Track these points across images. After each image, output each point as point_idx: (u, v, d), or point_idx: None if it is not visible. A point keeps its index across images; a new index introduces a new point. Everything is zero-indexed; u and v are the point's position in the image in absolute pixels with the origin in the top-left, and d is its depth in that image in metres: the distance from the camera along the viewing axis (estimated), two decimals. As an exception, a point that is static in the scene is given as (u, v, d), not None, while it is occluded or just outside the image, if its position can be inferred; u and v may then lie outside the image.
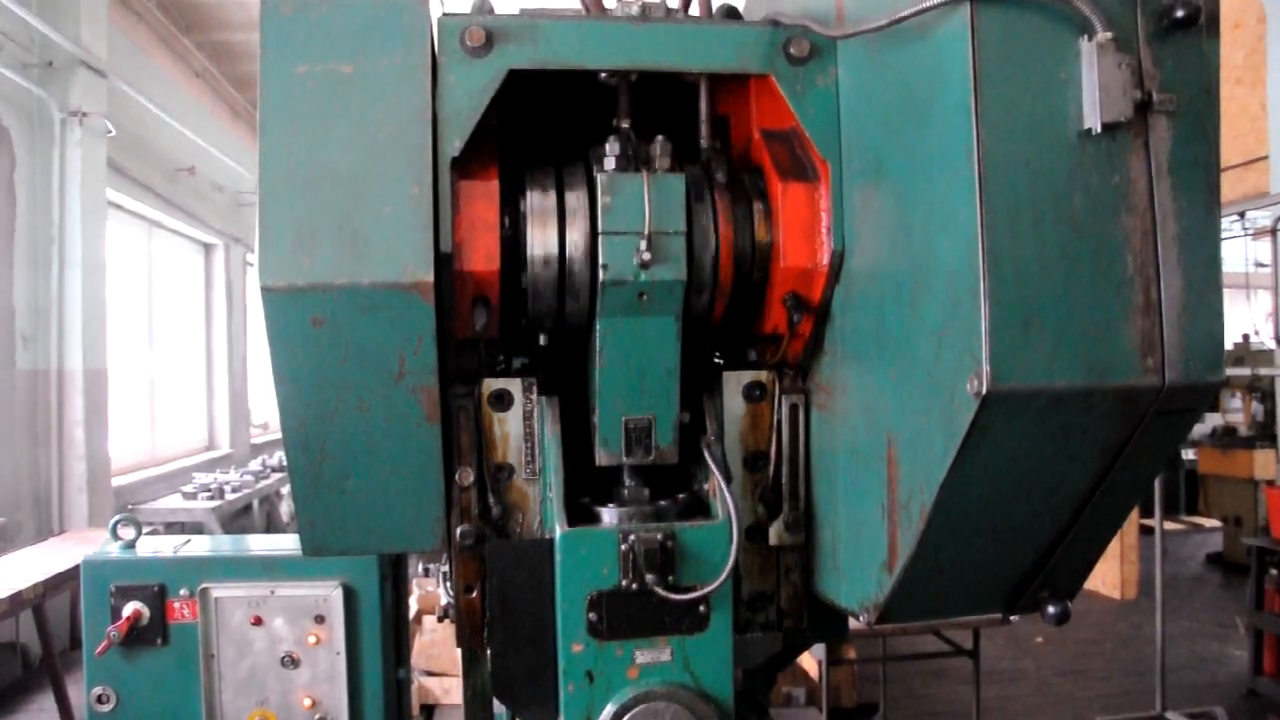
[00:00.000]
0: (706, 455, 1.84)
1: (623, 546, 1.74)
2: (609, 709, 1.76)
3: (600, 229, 1.72)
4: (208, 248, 11.36)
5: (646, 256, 1.69)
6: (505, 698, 1.86)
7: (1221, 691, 7.42)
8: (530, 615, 1.81)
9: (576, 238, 1.76)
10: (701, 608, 1.77)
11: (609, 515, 1.84)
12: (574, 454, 1.88)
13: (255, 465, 10.20)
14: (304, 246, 1.61)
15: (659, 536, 1.74)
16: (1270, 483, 8.70)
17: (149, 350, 9.61)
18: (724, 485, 1.78)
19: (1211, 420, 11.86)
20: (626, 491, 1.89)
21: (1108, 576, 10.17)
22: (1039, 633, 9.02)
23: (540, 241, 1.77)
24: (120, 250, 8.87)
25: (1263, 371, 8.92)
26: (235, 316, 11.54)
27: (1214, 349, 1.45)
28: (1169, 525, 6.94)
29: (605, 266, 1.71)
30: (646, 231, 1.70)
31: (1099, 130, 1.38)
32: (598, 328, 1.78)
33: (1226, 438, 11.61)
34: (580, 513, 1.84)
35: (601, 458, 1.87)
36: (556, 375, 1.96)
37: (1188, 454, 12.05)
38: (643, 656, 1.78)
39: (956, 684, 7.45)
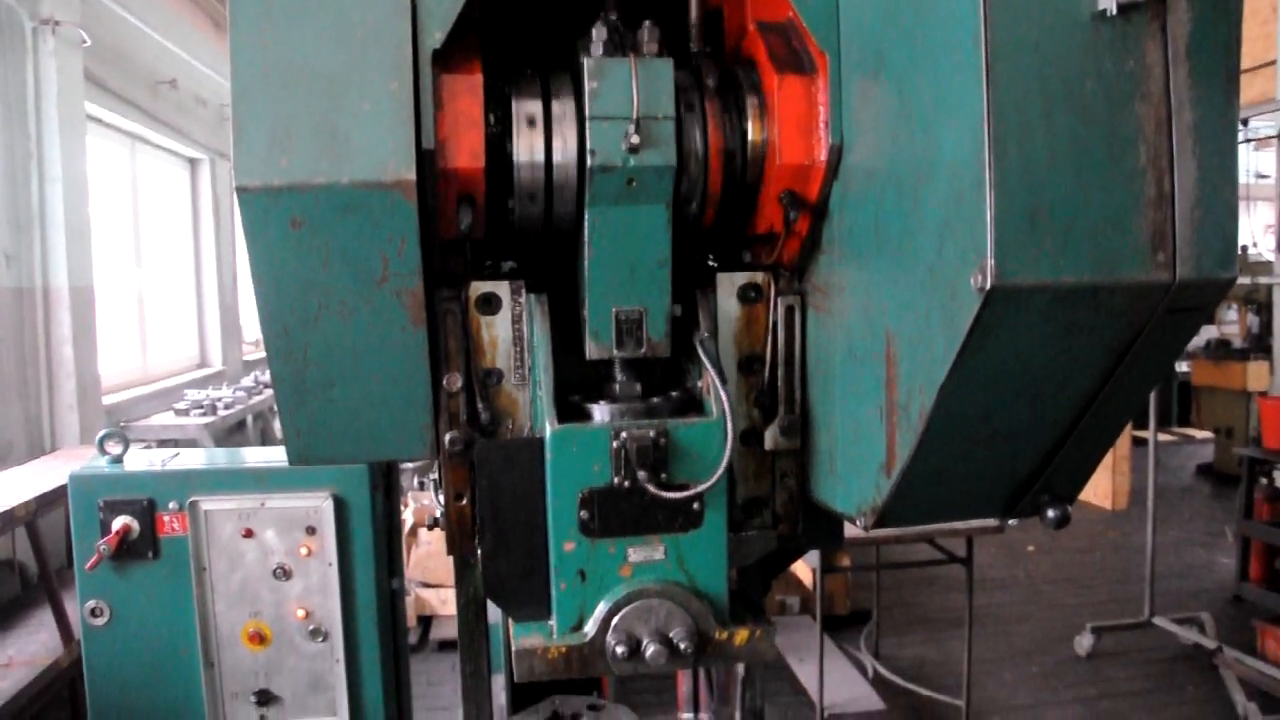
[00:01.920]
0: (700, 350, 1.79)
1: (614, 444, 1.71)
2: (601, 607, 1.74)
3: (588, 114, 1.65)
4: (193, 163, 11.16)
5: (635, 140, 1.63)
6: (497, 599, 1.84)
7: (1208, 598, 7.56)
8: (521, 515, 1.78)
9: (564, 128, 1.70)
10: (695, 505, 1.74)
11: (600, 412, 1.80)
12: (564, 352, 1.84)
13: (248, 381, 10.18)
14: (280, 145, 1.55)
15: (651, 433, 1.70)
16: (1264, 394, 8.73)
17: (136, 268, 9.50)
18: (718, 381, 1.74)
19: (1206, 332, 11.88)
20: (618, 388, 1.85)
21: (1099, 487, 10.28)
22: (1030, 541, 9.14)
23: (526, 134, 1.71)
24: (103, 167, 8.71)
25: (1262, 280, 8.88)
26: (224, 233, 11.38)
27: (1226, 244, 1.40)
28: (1161, 437, 6.97)
29: (593, 152, 1.65)
30: (635, 116, 1.63)
31: (1114, 12, 1.30)
32: (586, 217, 1.72)
33: (1221, 349, 11.64)
34: (571, 411, 1.80)
35: (592, 351, 1.82)
36: (545, 274, 1.90)
37: (1181, 366, 12.09)
38: (635, 554, 1.75)
39: (949, 592, 7.57)
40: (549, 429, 1.72)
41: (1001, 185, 1.31)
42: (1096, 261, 1.35)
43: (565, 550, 1.74)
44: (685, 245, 1.81)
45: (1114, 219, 1.35)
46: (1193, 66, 1.36)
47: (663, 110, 1.67)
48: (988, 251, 1.31)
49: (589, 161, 1.65)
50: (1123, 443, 10.13)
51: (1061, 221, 1.33)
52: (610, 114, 1.65)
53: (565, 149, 1.71)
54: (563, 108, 1.72)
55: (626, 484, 1.71)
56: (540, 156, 1.72)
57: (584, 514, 1.72)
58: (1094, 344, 1.46)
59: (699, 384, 1.84)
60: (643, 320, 1.80)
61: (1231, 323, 12.68)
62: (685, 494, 1.71)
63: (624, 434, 1.70)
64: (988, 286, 1.31)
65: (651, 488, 1.69)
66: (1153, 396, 6.13)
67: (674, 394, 1.87)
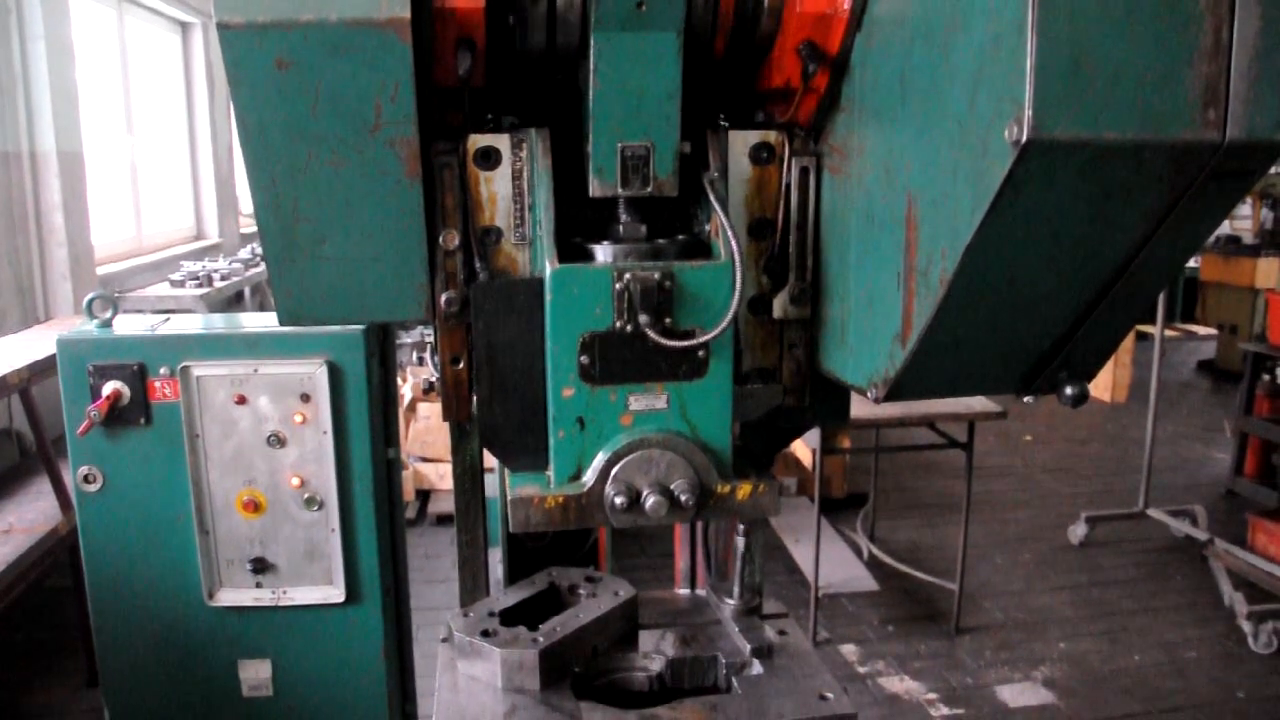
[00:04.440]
0: (708, 190, 1.70)
1: (617, 285, 1.62)
2: (600, 457, 1.69)
3: None
4: (185, 26, 10.81)
5: None
6: (494, 448, 1.79)
7: (1202, 491, 7.62)
8: (518, 360, 1.72)
9: None
10: (700, 353, 1.67)
11: (603, 253, 1.71)
12: (566, 200, 1.74)
13: (245, 254, 10.06)
14: None
15: (656, 275, 1.62)
16: (1272, 290, 8.65)
17: (128, 136, 9.28)
18: (726, 222, 1.65)
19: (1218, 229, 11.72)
20: (622, 229, 1.75)
21: (1099, 379, 10.21)
22: (1028, 431, 9.18)
23: None
24: (90, 30, 8.43)
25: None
26: (218, 101, 11.09)
27: (1283, 103, 1.30)
28: (1164, 332, 6.92)
29: None
30: None
31: None
32: (592, 43, 1.60)
33: (1231, 245, 11.51)
34: (572, 251, 1.71)
35: (595, 188, 1.71)
36: (547, 110, 1.80)
37: (1189, 261, 11.94)
38: (637, 403, 1.69)
39: (946, 478, 7.63)
40: (549, 268, 1.64)
41: (1044, 29, 1.20)
42: (1142, 117, 1.25)
43: (564, 397, 1.67)
44: (695, 81, 1.69)
45: (1164, 70, 1.24)
46: (1264, -105, 1.24)
47: None
48: (1026, 101, 1.20)
49: None
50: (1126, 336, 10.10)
51: (1107, 71, 1.23)
52: None
53: None
54: None
55: (629, 328, 1.63)
56: None
57: (584, 359, 1.65)
58: (1131, 208, 1.37)
59: (707, 227, 1.75)
60: (649, 156, 1.69)
61: (1244, 218, 12.49)
62: (690, 343, 1.64)
63: (627, 275, 1.62)
64: (1023, 139, 1.21)
65: (654, 334, 1.62)
66: (1162, 288, 6.05)
67: (681, 237, 1.78)
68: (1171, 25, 1.24)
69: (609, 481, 1.68)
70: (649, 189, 1.71)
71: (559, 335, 1.65)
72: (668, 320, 1.64)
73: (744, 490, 1.73)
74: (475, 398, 1.80)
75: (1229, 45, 1.25)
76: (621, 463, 1.68)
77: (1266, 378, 7.06)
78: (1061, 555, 6.53)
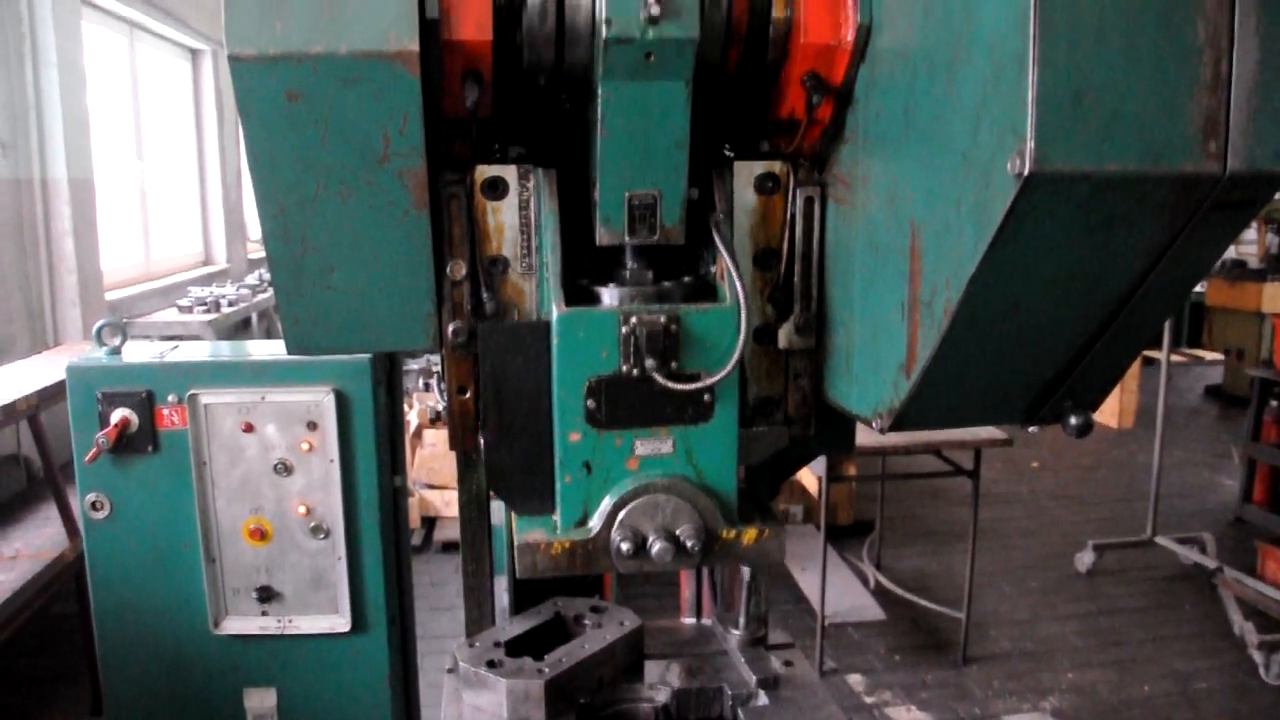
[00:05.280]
0: (715, 234, 1.71)
1: (624, 329, 1.63)
2: (607, 501, 1.69)
3: None
4: (194, 53, 10.91)
5: (655, 10, 1.50)
6: (500, 491, 1.79)
7: (1210, 518, 7.58)
8: (525, 403, 1.72)
9: None
10: (706, 397, 1.67)
11: (609, 296, 1.72)
12: (574, 239, 1.75)
13: (252, 279, 10.10)
14: (275, 10, 1.47)
15: (662, 319, 1.62)
16: (1278, 315, 8.63)
17: (138, 162, 9.35)
18: (733, 266, 1.65)
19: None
20: (628, 273, 1.76)
21: (1106, 405, 10.21)
22: (1034, 457, 9.14)
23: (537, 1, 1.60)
24: (101, 56, 8.51)
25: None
26: (227, 127, 11.17)
27: (1284, 134, 1.30)
28: (1171, 357, 6.91)
29: (609, 22, 1.52)
30: None
31: None
32: (600, 92, 1.61)
33: (1237, 270, 11.51)
34: (579, 294, 1.72)
35: (602, 236, 1.72)
36: (554, 152, 1.81)
37: (1195, 287, 11.94)
38: (643, 447, 1.69)
39: (952, 505, 7.60)
40: (555, 312, 1.64)
41: (1045, 62, 1.21)
42: (1143, 149, 1.26)
43: (570, 441, 1.67)
44: (703, 121, 1.71)
45: (1164, 103, 1.25)
46: (1262, -69, 1.25)
47: None
48: (1028, 134, 1.22)
49: (603, 32, 1.54)
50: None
51: (1108, 104, 1.24)
52: None
53: (580, 21, 1.59)
54: None
55: (635, 372, 1.64)
56: (552, 8, 1.60)
57: (591, 403, 1.66)
58: (1134, 239, 1.37)
59: (713, 269, 1.76)
60: (657, 205, 1.70)
61: (1250, 243, 12.49)
62: (695, 386, 1.65)
63: (634, 319, 1.63)
64: (1026, 172, 1.22)
65: (660, 377, 1.62)
66: (1168, 314, 6.05)
67: (686, 279, 1.79)
68: (1171, 58, 1.25)
69: (615, 527, 1.68)
70: (656, 237, 1.72)
71: (566, 379, 1.65)
72: (674, 364, 1.64)
73: (749, 535, 1.73)
74: (482, 441, 1.80)
75: (1229, 78, 1.27)
76: (627, 508, 1.68)
77: (1274, 403, 7.04)
78: (1069, 583, 6.49)
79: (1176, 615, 6.03)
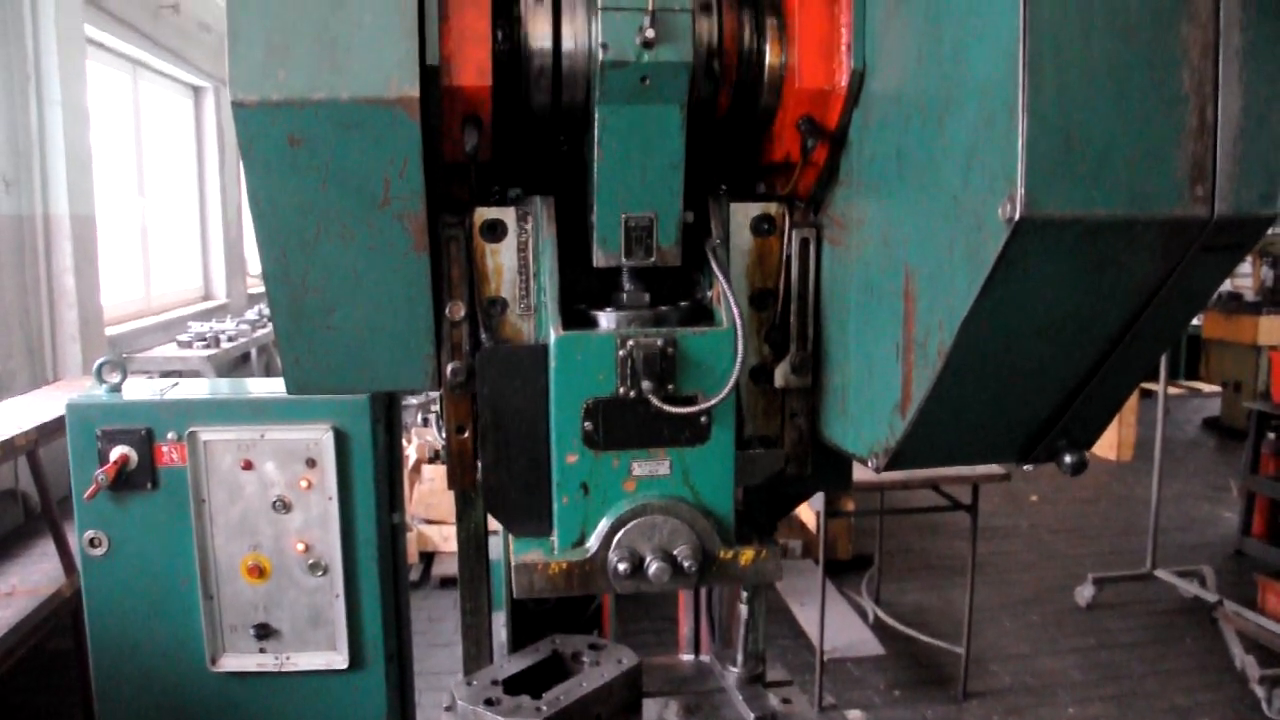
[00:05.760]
0: (711, 259, 1.72)
1: (621, 352, 1.65)
2: (604, 522, 1.70)
3: (600, 4, 1.57)
4: (197, 91, 11.00)
5: (650, 35, 1.53)
6: (498, 512, 1.80)
7: (1210, 551, 7.57)
8: (523, 426, 1.73)
9: (574, 28, 1.63)
10: (703, 419, 1.69)
11: (606, 319, 1.74)
12: (571, 264, 1.77)
13: (252, 314, 10.13)
14: (278, 57, 1.49)
15: (659, 342, 1.64)
16: (1275, 348, 8.66)
17: (140, 198, 9.40)
18: (728, 290, 1.67)
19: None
20: (625, 296, 1.78)
21: (1104, 438, 10.24)
22: (1033, 491, 9.14)
23: (535, 35, 1.64)
24: (105, 93, 8.58)
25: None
26: (228, 163, 11.24)
27: (1270, 179, 1.33)
28: (1168, 390, 6.93)
29: (605, 46, 1.56)
30: (650, 7, 1.54)
31: (1163, -76, 1.23)
32: (596, 116, 1.64)
33: (1233, 303, 11.55)
34: (576, 318, 1.74)
35: (599, 258, 1.74)
36: (552, 179, 1.83)
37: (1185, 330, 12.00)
38: (640, 469, 1.70)
39: (951, 539, 7.58)
40: (553, 335, 1.66)
41: (1035, 109, 1.24)
42: (1132, 194, 1.28)
43: (568, 463, 1.69)
44: (698, 147, 1.73)
45: (1152, 149, 1.28)
46: (1245, -14, 1.28)
47: (680, 1, 1.57)
48: (1018, 180, 1.24)
49: (600, 56, 1.57)
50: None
51: (1097, 150, 1.26)
52: (624, 4, 1.56)
53: (576, 38, 1.63)
54: (574, 7, 1.64)
55: (632, 395, 1.65)
56: (549, 44, 1.64)
57: (588, 425, 1.67)
58: (1124, 281, 1.39)
59: (709, 294, 1.78)
60: (653, 227, 1.72)
61: (1245, 275, 12.54)
62: (692, 410, 1.66)
63: (630, 342, 1.64)
64: (1017, 217, 1.24)
65: (657, 400, 1.63)
66: (1164, 348, 6.08)
67: (683, 303, 1.81)
68: (1158, 105, 1.28)
69: (612, 547, 1.69)
70: (652, 259, 1.74)
71: (563, 402, 1.67)
72: (670, 387, 1.66)
73: (747, 556, 1.74)
74: (480, 464, 1.82)
75: (1214, 124, 1.29)
76: (625, 528, 1.69)
77: (1272, 436, 7.05)
78: (1069, 617, 6.47)
79: (1177, 649, 6.01)
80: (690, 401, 1.67)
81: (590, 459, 1.69)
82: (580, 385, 1.66)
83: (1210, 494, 9.20)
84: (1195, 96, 1.28)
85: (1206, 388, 11.89)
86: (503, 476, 1.76)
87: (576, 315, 1.75)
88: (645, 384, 1.63)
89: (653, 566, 1.67)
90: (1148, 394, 9.67)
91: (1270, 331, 10.83)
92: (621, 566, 1.67)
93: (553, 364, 1.67)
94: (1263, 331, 10.88)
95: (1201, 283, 1.46)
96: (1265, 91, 1.29)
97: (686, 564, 1.67)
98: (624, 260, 1.74)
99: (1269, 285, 11.47)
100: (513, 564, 1.72)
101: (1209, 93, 1.28)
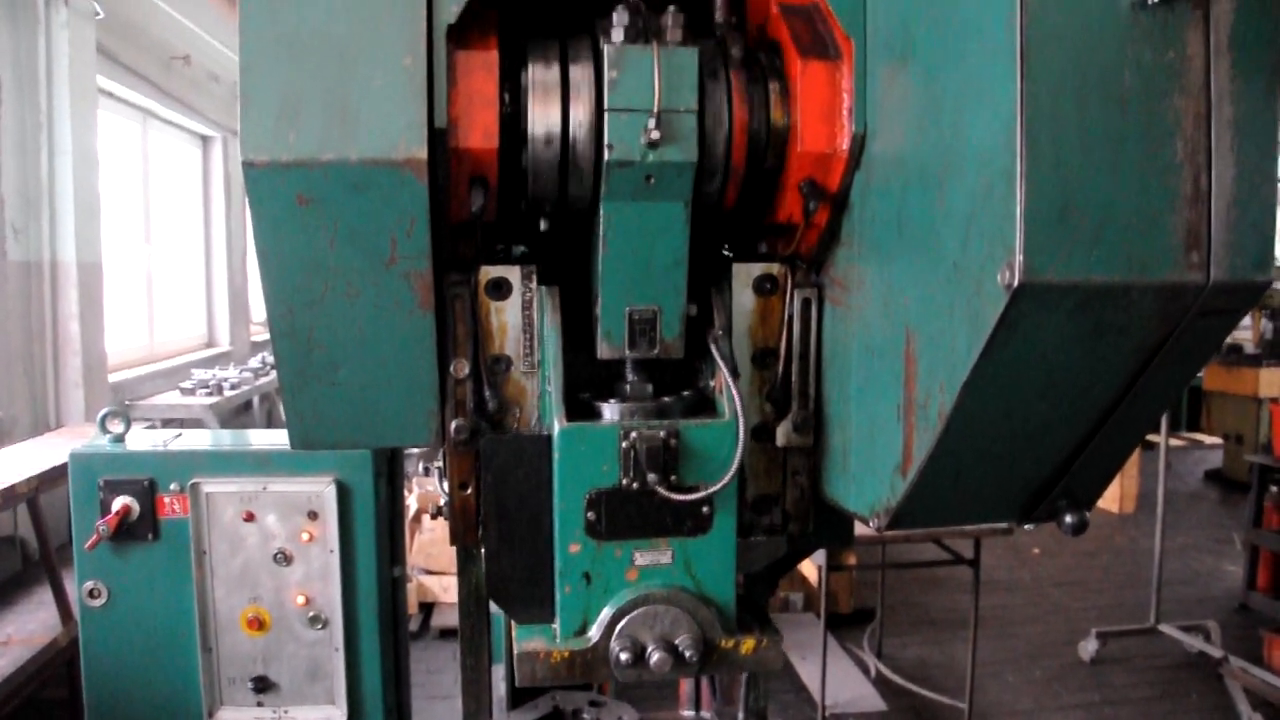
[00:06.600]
0: (713, 350, 1.75)
1: (624, 444, 1.66)
2: (606, 611, 1.70)
3: (606, 105, 1.60)
4: (205, 140, 11.13)
5: (655, 136, 1.57)
6: (500, 599, 1.80)
7: (1214, 605, 7.50)
8: (526, 514, 1.74)
9: (581, 116, 1.65)
10: (705, 509, 1.70)
11: (610, 411, 1.76)
12: (574, 348, 1.79)
13: (255, 362, 10.15)
14: (288, 119, 1.52)
15: (662, 434, 1.66)
16: (1275, 400, 8.66)
17: (146, 245, 9.47)
18: (731, 381, 1.69)
19: (1219, 337, 11.80)
20: (629, 387, 1.81)
21: (1107, 490, 10.20)
22: (1036, 544, 9.09)
23: (542, 118, 1.66)
24: (114, 142, 8.68)
25: (1278, 286, 8.81)
26: (234, 212, 11.34)
27: (1263, 245, 1.34)
28: (1170, 441, 6.92)
29: (611, 146, 1.59)
30: (656, 109, 1.57)
31: (1155, 0, 1.26)
32: (601, 212, 1.67)
33: (1233, 355, 11.57)
34: (580, 408, 1.76)
35: (603, 350, 1.77)
36: (557, 264, 1.86)
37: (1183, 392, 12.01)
38: (642, 558, 1.71)
39: (954, 592, 7.53)
40: (557, 426, 1.68)
41: (1032, 178, 1.26)
42: (1128, 260, 1.30)
43: (571, 552, 1.70)
44: (702, 237, 1.76)
45: (1148, 216, 1.30)
46: (1235, 59, 1.31)
47: (685, 103, 1.61)
48: (1016, 247, 1.26)
49: (606, 156, 1.60)
50: (1132, 447, 10.09)
51: (1093, 217, 1.28)
52: (630, 106, 1.59)
53: (582, 138, 1.66)
54: (580, 84, 1.66)
55: (635, 485, 1.67)
56: (556, 128, 1.66)
57: (591, 515, 1.68)
58: (1122, 345, 1.41)
59: (711, 383, 1.80)
60: (656, 320, 1.76)
61: (1245, 328, 12.58)
62: (695, 496, 1.67)
63: (634, 434, 1.66)
64: (1015, 284, 1.26)
65: (661, 490, 1.65)
66: (1165, 401, 6.08)
67: (685, 393, 1.83)
68: (1153, 173, 1.30)
69: (614, 637, 1.70)
70: (656, 351, 1.77)
71: (566, 492, 1.69)
72: (673, 477, 1.67)
73: (748, 645, 1.75)
74: (482, 536, 1.82)
75: (1208, 192, 1.32)
76: (626, 618, 1.70)
77: (1275, 489, 7.02)
78: (1073, 672, 6.41)
79: (1183, 705, 5.95)
80: (693, 490, 1.68)
81: (593, 549, 1.70)
82: (584, 476, 1.68)
83: (1213, 547, 9.15)
84: (1189, 165, 1.31)
85: (1208, 439, 11.86)
86: (505, 565, 1.77)
87: (580, 405, 1.77)
88: (650, 476, 1.65)
89: (654, 656, 1.68)
90: (1150, 446, 9.64)
91: (1271, 384, 10.84)
92: (624, 656, 1.68)
93: (556, 455, 1.68)
94: (1263, 384, 10.89)
95: (1199, 345, 1.47)
96: (1256, 161, 1.32)
97: (688, 654, 1.69)
98: (628, 352, 1.77)
99: (1269, 338, 11.49)
100: (515, 653, 1.73)
101: (1202, 161, 1.31)
